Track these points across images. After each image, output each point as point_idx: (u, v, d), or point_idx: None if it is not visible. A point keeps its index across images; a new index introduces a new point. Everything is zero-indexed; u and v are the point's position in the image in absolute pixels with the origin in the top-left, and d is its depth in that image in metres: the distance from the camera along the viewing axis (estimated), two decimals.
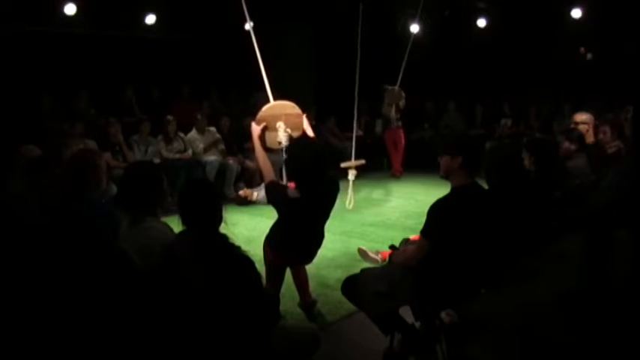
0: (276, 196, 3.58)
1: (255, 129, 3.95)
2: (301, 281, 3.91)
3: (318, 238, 3.75)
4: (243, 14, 4.73)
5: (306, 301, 3.91)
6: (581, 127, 4.84)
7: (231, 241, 2.33)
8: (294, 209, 3.52)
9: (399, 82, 7.17)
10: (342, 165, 5.65)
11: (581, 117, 4.93)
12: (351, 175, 5.42)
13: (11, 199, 3.65)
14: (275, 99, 4.36)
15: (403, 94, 8.67)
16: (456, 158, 2.93)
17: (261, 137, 3.99)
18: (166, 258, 2.31)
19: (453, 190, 2.99)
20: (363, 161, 5.71)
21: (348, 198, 5.56)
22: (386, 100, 8.90)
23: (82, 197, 3.14)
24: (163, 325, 2.16)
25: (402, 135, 9.14)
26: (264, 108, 4.11)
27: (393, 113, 8.92)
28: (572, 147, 4.56)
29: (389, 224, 6.31)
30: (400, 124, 9.12)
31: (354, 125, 6.22)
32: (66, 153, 6.00)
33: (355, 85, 5.86)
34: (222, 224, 2.37)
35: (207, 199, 2.39)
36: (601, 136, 4.90)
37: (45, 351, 1.99)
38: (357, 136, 6.05)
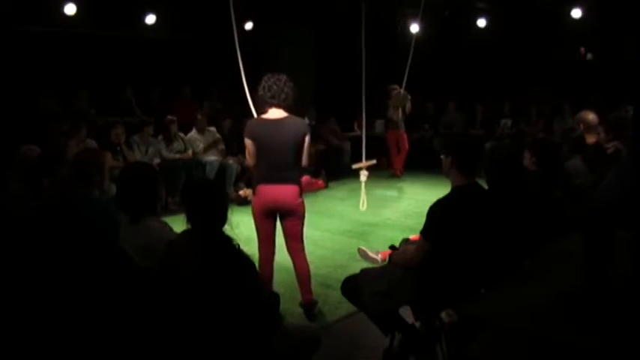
0: None
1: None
2: (303, 278, 3.89)
3: None
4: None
5: (307, 300, 3.89)
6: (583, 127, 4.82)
7: (233, 242, 2.34)
8: None
9: (404, 84, 7.16)
10: (354, 166, 5.60)
11: (587, 116, 4.90)
12: (363, 176, 5.35)
13: (10, 199, 3.65)
14: (255, 100, 4.23)
15: (409, 97, 8.67)
16: (448, 158, 2.95)
17: None
18: (167, 257, 2.31)
19: (453, 190, 3.00)
20: (374, 161, 5.64)
21: (362, 200, 5.48)
22: (391, 102, 8.90)
23: (83, 196, 3.14)
24: (164, 324, 2.16)
25: (406, 138, 9.15)
26: None
27: (398, 116, 8.93)
28: (565, 147, 4.55)
29: (389, 224, 6.31)
30: (404, 127, 9.12)
31: (363, 125, 6.18)
32: (67, 153, 6.01)
33: (361, 85, 5.83)
34: (226, 225, 2.38)
35: (215, 199, 2.40)
36: (598, 136, 4.88)
37: (45, 351, 1.99)
38: (356, 136, 6.02)
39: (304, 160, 3.80)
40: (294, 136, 3.67)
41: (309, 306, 3.89)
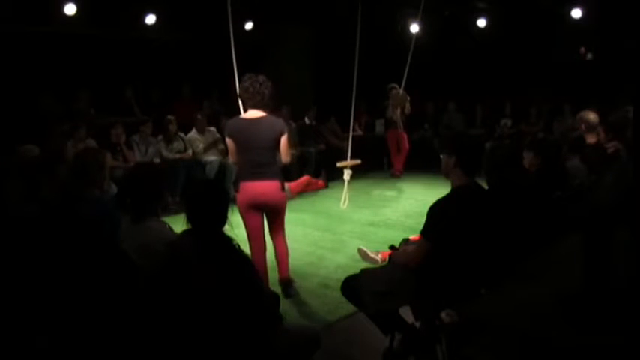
0: None
1: None
2: (282, 256, 4.15)
3: None
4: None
5: (284, 277, 4.16)
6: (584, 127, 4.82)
7: (233, 242, 2.34)
8: None
9: (403, 85, 7.16)
10: (338, 165, 5.63)
11: (588, 116, 4.90)
12: (347, 174, 5.41)
13: (10, 199, 3.65)
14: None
15: (408, 98, 8.66)
16: (451, 157, 2.95)
17: None
18: (168, 257, 2.31)
19: (453, 190, 3.00)
20: (358, 161, 5.67)
21: (343, 197, 5.53)
22: (391, 102, 8.89)
23: (83, 196, 3.14)
24: (164, 324, 2.16)
25: (405, 138, 9.15)
26: None
27: (397, 116, 8.92)
28: (565, 147, 4.56)
29: (389, 224, 6.31)
30: (403, 128, 9.11)
31: (351, 125, 6.21)
32: (67, 153, 6.01)
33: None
34: (226, 225, 2.39)
35: (214, 200, 2.40)
36: (598, 136, 4.88)
37: (46, 349, 1.99)
38: (357, 136, 6.03)
39: (283, 157, 3.98)
40: (271, 135, 3.85)
41: (287, 282, 4.15)
